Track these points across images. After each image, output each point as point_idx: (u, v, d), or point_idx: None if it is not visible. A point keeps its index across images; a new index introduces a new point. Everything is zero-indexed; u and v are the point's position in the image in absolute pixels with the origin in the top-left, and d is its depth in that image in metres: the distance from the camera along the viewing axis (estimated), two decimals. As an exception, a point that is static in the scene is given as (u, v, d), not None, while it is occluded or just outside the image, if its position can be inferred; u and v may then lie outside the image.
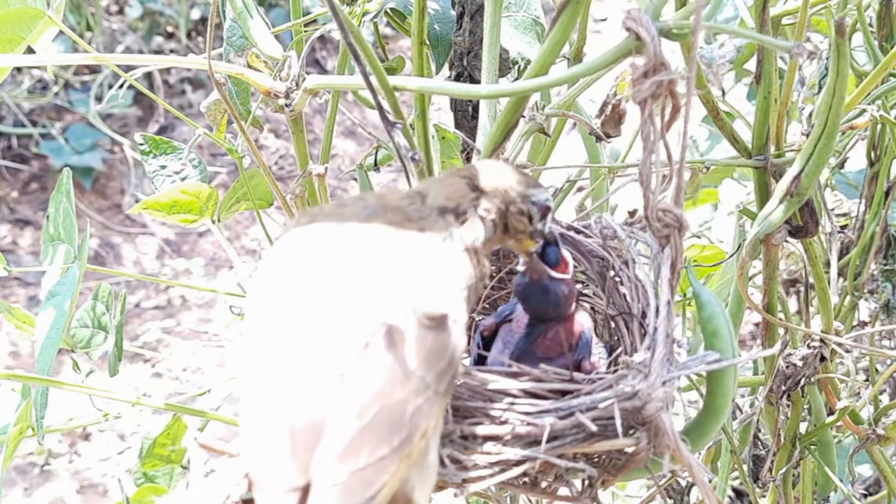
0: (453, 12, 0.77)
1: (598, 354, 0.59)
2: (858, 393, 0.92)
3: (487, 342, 0.61)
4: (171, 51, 2.91)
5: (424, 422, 0.41)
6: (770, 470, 0.86)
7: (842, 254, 0.99)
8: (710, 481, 0.69)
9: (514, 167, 0.56)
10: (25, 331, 0.77)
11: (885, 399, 1.15)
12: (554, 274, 0.57)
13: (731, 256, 0.81)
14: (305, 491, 0.38)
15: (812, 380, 0.78)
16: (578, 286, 0.64)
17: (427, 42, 0.71)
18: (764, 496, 0.91)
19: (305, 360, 0.41)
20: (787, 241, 0.69)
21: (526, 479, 0.49)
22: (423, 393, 0.41)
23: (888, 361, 0.99)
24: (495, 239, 0.53)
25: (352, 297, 0.43)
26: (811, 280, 0.78)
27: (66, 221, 0.72)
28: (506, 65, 0.75)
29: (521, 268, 0.58)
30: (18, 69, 2.62)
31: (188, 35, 2.91)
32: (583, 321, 0.59)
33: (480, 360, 0.60)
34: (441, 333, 0.43)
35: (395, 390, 0.40)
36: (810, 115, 0.85)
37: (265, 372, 0.42)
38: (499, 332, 0.61)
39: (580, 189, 1.18)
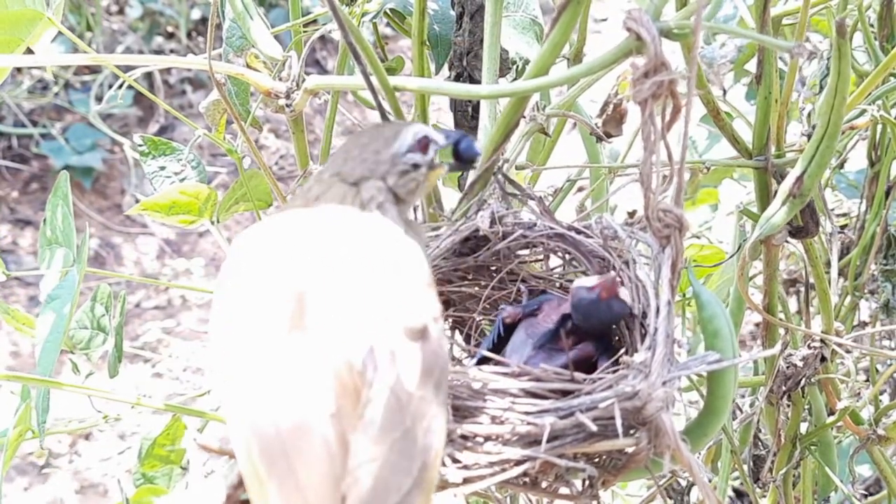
0: (453, 12, 0.77)
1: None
2: (859, 393, 0.92)
3: (508, 329, 0.60)
4: (172, 51, 2.91)
5: (436, 441, 0.40)
6: (770, 470, 0.86)
7: (842, 254, 0.99)
8: (710, 481, 0.69)
9: (365, 132, 0.52)
10: (25, 332, 0.77)
11: (885, 399, 1.15)
12: (624, 296, 0.55)
13: (731, 256, 0.81)
14: None
15: (812, 380, 0.78)
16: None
17: (427, 42, 0.71)
18: (764, 496, 0.91)
19: (295, 401, 0.39)
20: (787, 242, 0.69)
21: (526, 479, 0.49)
22: (427, 412, 0.40)
23: (888, 362, 0.99)
24: (405, 206, 0.51)
25: (331, 320, 0.41)
26: (811, 280, 0.78)
27: (65, 224, 0.72)
28: (505, 65, 0.75)
29: (588, 282, 0.56)
30: (18, 69, 2.62)
31: (188, 35, 2.91)
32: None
33: (497, 347, 0.60)
34: (427, 344, 0.42)
35: (403, 419, 0.39)
36: (811, 115, 0.85)
37: (254, 410, 0.40)
38: (521, 323, 0.60)
39: (580, 189, 1.18)
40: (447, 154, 0.54)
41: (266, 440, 0.39)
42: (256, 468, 0.39)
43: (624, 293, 0.55)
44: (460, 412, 0.47)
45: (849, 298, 0.98)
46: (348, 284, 0.43)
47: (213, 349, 0.44)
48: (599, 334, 0.57)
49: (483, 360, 0.58)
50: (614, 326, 0.58)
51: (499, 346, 0.60)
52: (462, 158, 0.55)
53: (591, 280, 0.56)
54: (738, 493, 1.38)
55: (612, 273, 0.56)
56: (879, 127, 0.93)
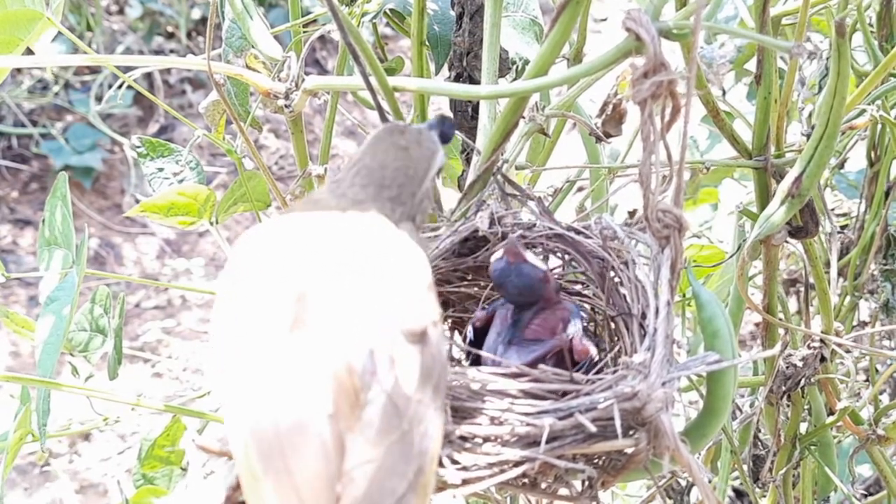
0: (452, 13, 0.77)
1: (588, 343, 0.59)
2: (858, 393, 0.92)
3: (480, 334, 0.61)
4: (172, 51, 2.91)
5: (432, 445, 0.40)
6: (770, 470, 0.86)
7: (842, 254, 0.99)
8: (709, 481, 0.69)
9: (389, 165, 0.51)
10: (24, 335, 0.77)
11: (885, 399, 1.15)
12: (532, 259, 0.57)
13: (731, 257, 0.81)
14: None
15: (812, 380, 0.78)
16: (578, 287, 0.64)
17: (426, 42, 0.71)
18: (764, 496, 0.90)
19: (293, 401, 0.39)
20: (787, 242, 0.69)
21: (525, 480, 0.49)
22: (424, 415, 0.40)
23: (888, 361, 0.99)
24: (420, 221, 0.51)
25: (329, 321, 0.41)
26: (811, 280, 0.78)
27: (64, 225, 0.72)
28: (505, 65, 0.75)
29: (498, 253, 0.58)
30: (18, 69, 2.62)
31: (188, 35, 2.91)
32: (569, 307, 0.60)
33: (473, 347, 0.60)
34: (426, 348, 0.42)
35: (401, 422, 0.39)
36: (810, 115, 0.85)
37: (252, 409, 0.40)
38: (493, 322, 0.61)
39: (580, 189, 1.18)
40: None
41: (263, 439, 0.39)
42: (253, 467, 0.39)
43: (532, 257, 0.57)
44: (459, 413, 0.47)
45: (848, 298, 0.98)
46: (350, 286, 0.43)
47: (214, 348, 0.43)
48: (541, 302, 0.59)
49: (475, 362, 0.59)
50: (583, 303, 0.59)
51: (473, 344, 0.61)
52: (445, 139, 0.55)
53: (500, 251, 0.58)
54: (738, 493, 1.38)
55: (514, 236, 0.57)
56: (879, 127, 0.93)
